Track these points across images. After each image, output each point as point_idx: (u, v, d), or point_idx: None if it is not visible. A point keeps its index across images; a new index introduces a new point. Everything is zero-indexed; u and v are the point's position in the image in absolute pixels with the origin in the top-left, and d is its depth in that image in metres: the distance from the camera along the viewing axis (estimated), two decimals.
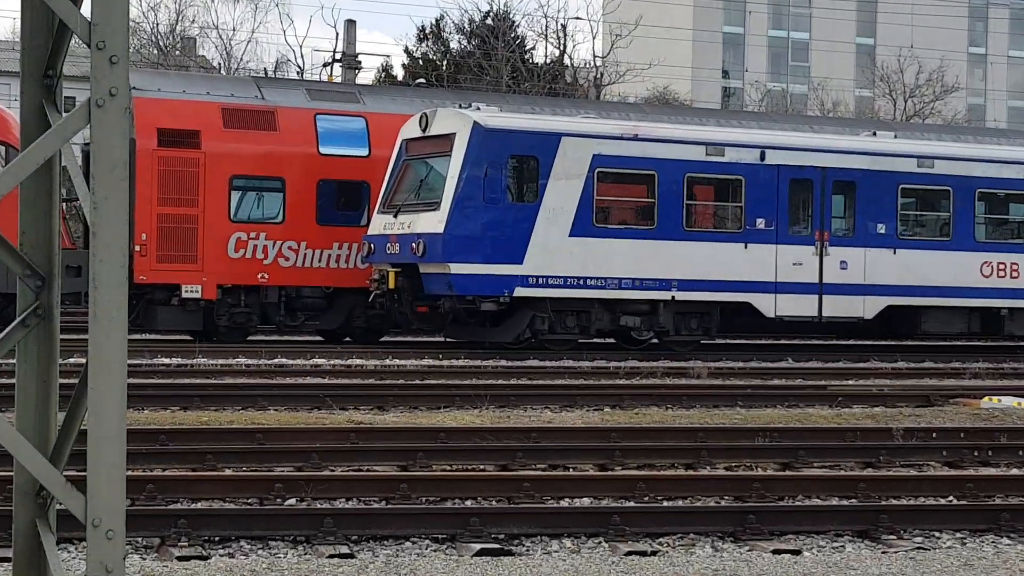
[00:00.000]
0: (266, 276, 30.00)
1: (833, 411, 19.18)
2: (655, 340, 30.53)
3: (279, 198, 30.75)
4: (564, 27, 69.53)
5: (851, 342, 34.78)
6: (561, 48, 69.75)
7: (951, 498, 11.92)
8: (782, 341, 34.66)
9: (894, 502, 11.49)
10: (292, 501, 10.87)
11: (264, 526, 9.72)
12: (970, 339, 34.44)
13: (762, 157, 30.35)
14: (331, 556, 8.93)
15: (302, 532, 9.60)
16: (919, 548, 10.11)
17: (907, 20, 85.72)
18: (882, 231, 31.20)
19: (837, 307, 30.85)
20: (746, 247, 30.14)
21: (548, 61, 69.83)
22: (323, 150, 30.94)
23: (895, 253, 31.16)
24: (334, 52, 57.23)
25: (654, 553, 9.74)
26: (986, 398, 20.95)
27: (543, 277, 28.26)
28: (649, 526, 10.31)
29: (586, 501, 11.42)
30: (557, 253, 28.51)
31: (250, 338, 30.83)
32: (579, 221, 28.68)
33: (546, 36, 69.73)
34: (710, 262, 29.72)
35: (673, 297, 29.40)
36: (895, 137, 34.12)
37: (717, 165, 30.27)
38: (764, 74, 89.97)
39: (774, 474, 13.16)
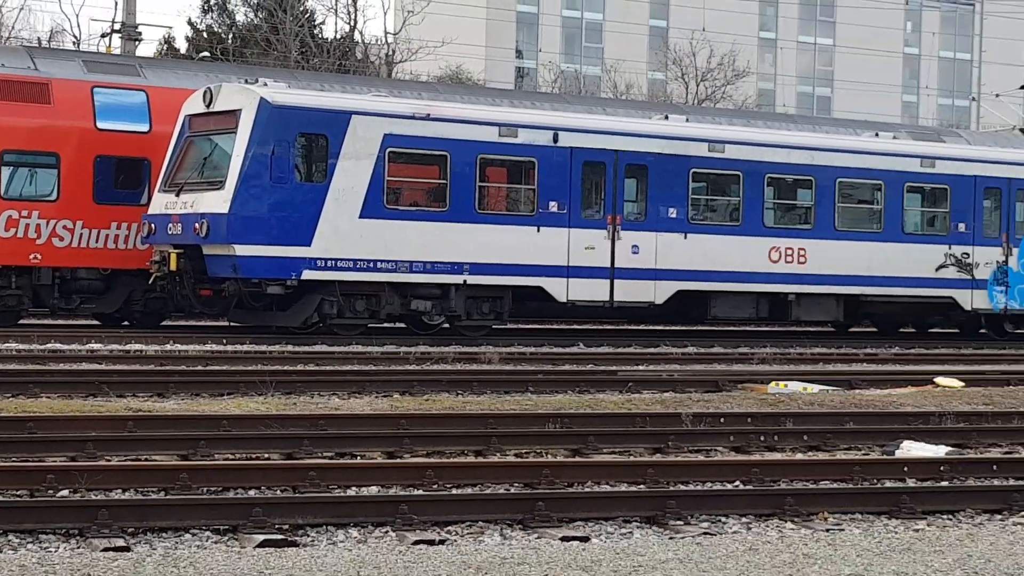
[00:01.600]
0: (39, 256, 29.08)
1: (623, 396, 19.40)
2: (446, 325, 30.50)
3: (53, 175, 29.71)
4: (355, 2, 69.12)
5: (642, 327, 35.27)
6: (352, 23, 69.19)
7: (737, 483, 12.18)
8: (574, 326, 35.02)
9: (682, 487, 11.68)
10: (65, 493, 10.57)
11: (34, 519, 9.44)
12: (759, 324, 35.21)
13: (555, 139, 30.51)
14: (106, 549, 8.70)
15: (75, 525, 9.30)
16: (706, 533, 10.30)
17: (699, 3, 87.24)
18: (673, 215, 31.62)
19: (628, 292, 31.15)
20: (539, 230, 30.29)
21: (338, 37, 69.31)
22: (100, 125, 30.06)
23: (686, 238, 31.64)
24: (113, 22, 55.82)
25: (442, 542, 9.75)
26: (773, 383, 21.46)
27: (332, 260, 27.98)
28: (437, 514, 10.30)
29: (374, 489, 11.37)
30: (346, 235, 28.27)
31: (22, 322, 29.99)
32: (369, 203, 28.48)
33: (336, 11, 69.30)
34: (502, 246, 29.78)
35: (465, 281, 29.41)
36: (687, 121, 34.66)
37: (510, 147, 30.28)
38: (558, 55, 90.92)
39: (564, 460, 13.26)
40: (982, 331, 36.30)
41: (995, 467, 13.33)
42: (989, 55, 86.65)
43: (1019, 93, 67.24)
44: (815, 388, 20.86)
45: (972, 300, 35.03)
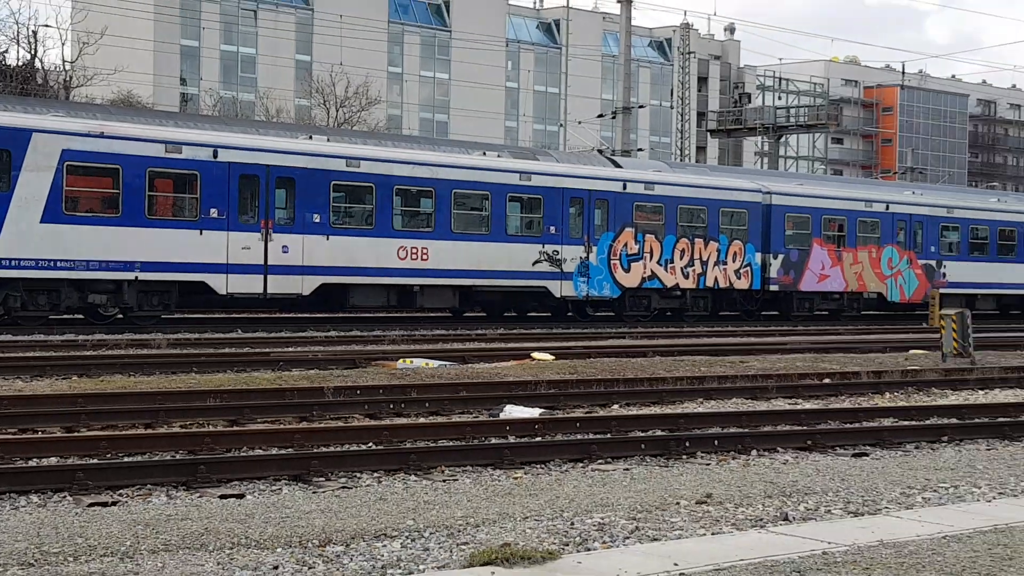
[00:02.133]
0: None
1: (275, 374, 19.27)
2: (120, 316, 29.80)
3: None
4: (35, 33, 67.41)
5: (292, 315, 35.10)
6: (32, 52, 67.38)
7: (371, 444, 12.28)
8: (233, 315, 34.57)
9: (323, 449, 11.73)
10: None
11: None
12: (390, 311, 35.45)
13: (215, 155, 30.21)
14: None
15: None
16: (343, 487, 10.40)
17: (337, 41, 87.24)
18: (317, 220, 31.64)
19: (280, 285, 31.07)
20: (201, 233, 29.89)
21: (20, 64, 67.01)
22: None
23: (328, 239, 31.70)
24: None
25: (114, 503, 9.56)
26: (401, 360, 21.68)
27: (16, 260, 27.00)
28: (110, 480, 10.09)
29: (53, 460, 11.05)
30: (29, 238, 27.26)
31: None
32: (49, 209, 27.55)
33: (18, 40, 67.05)
34: (169, 246, 29.22)
35: (136, 277, 28.76)
36: (328, 140, 34.68)
37: (176, 161, 29.77)
38: (217, 83, 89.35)
39: (223, 430, 13.08)
40: (569, 314, 37.40)
41: (578, 424, 13.84)
42: (572, 89, 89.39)
43: (596, 121, 69.94)
44: (435, 363, 21.20)
45: (561, 289, 36.11)
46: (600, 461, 11.82)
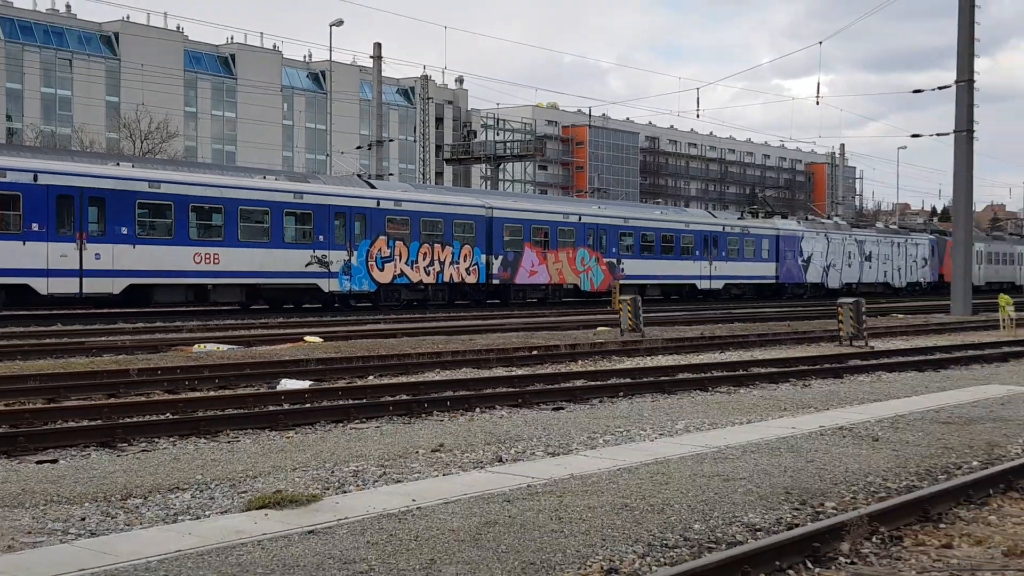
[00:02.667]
0: None
1: (88, 359, 18.37)
2: None
3: None
4: None
5: (105, 311, 33.52)
6: None
7: (168, 414, 11.78)
8: (55, 312, 32.81)
9: (127, 420, 11.21)
10: None
11: None
12: (188, 306, 34.24)
13: (35, 178, 28.70)
14: None
15: None
16: (144, 451, 9.97)
17: (140, 85, 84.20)
18: (125, 232, 30.43)
19: (94, 286, 29.86)
20: (24, 244, 28.36)
21: None
22: None
23: (134, 247, 30.54)
24: None
25: None
26: (197, 345, 21.00)
27: None
28: None
29: None
30: None
31: None
32: None
33: None
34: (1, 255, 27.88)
35: None
36: (133, 166, 33.34)
37: (1, 184, 28.21)
38: (39, 119, 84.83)
39: (40, 406, 12.31)
40: (336, 305, 37.00)
41: (340, 392, 13.65)
42: (336, 126, 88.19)
43: (356, 152, 69.34)
44: (225, 347, 20.57)
45: (329, 285, 35.71)
46: (357, 421, 11.70)
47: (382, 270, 37.42)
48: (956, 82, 37.30)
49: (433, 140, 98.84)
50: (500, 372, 17.36)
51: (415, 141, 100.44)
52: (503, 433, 10.85)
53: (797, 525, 7.42)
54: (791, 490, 8.47)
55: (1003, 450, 10.64)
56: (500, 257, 41.57)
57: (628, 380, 15.66)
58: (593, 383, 15.28)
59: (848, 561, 6.71)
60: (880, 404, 13.50)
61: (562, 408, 13.00)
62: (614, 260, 46.30)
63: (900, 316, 37.50)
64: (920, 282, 65.83)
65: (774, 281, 54.61)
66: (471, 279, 40.55)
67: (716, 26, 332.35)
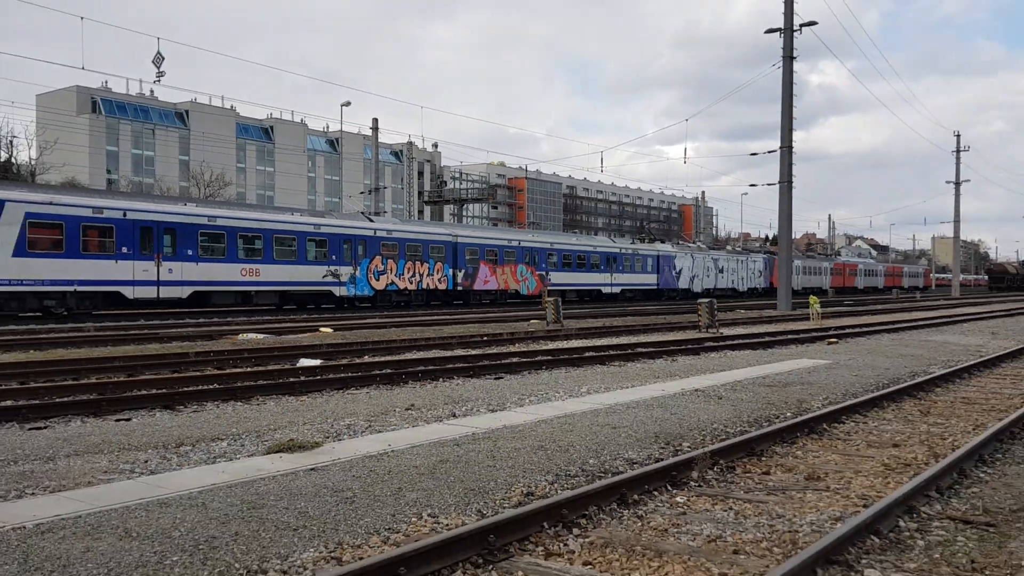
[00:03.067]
0: None
1: (161, 345, 17.87)
2: (65, 313, 27.10)
3: None
4: (11, 141, 60.40)
5: (179, 310, 32.76)
6: (9, 153, 60.30)
7: (215, 385, 11.43)
8: (138, 311, 32.02)
9: (184, 389, 10.86)
10: None
11: None
12: (239, 306, 33.56)
13: (124, 215, 28.08)
14: None
15: None
16: (195, 411, 9.62)
17: (203, 147, 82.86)
18: (190, 253, 29.82)
19: (167, 292, 29.17)
20: (116, 262, 27.74)
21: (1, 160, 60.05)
22: None
23: (197, 264, 29.92)
24: None
25: (45, 427, 8.60)
26: (242, 334, 20.60)
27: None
28: (44, 413, 9.08)
29: (8, 403, 9.78)
30: (5, 266, 25.00)
31: None
32: (18, 247, 25.25)
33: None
34: (99, 270, 27.20)
35: (75, 290, 26.50)
36: (196, 206, 32.64)
37: (99, 218, 27.45)
38: (130, 173, 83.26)
39: (121, 379, 11.90)
40: (345, 306, 36.50)
41: (342, 368, 13.36)
42: (346, 177, 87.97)
43: (360, 196, 68.52)
44: (262, 336, 20.20)
45: (340, 292, 35.24)
46: (353, 388, 11.46)
47: (378, 280, 37.02)
48: (780, 148, 37.71)
49: (416, 187, 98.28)
50: (459, 352, 17.20)
51: (403, 188, 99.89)
52: (458, 396, 10.71)
53: (661, 460, 7.40)
54: (659, 435, 8.44)
55: (808, 405, 10.71)
56: (463, 271, 41.30)
57: (549, 357, 15.47)
58: (525, 360, 15.13)
59: (696, 484, 6.69)
60: (725, 373, 13.54)
61: (501, 378, 12.85)
62: (543, 272, 46.19)
63: (742, 311, 37.79)
64: (757, 288, 66.50)
65: (656, 287, 54.86)
66: (442, 286, 40.27)
67: (616, 108, 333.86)
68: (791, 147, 37.60)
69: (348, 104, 55.40)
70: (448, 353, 16.61)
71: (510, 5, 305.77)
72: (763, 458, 7.66)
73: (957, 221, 77.84)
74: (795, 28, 37.72)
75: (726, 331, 23.77)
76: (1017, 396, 11.68)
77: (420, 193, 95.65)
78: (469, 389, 11.40)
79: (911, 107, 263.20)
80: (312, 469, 6.56)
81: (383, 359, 15.31)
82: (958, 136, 75.64)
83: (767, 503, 6.14)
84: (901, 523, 5.55)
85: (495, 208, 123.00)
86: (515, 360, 15.12)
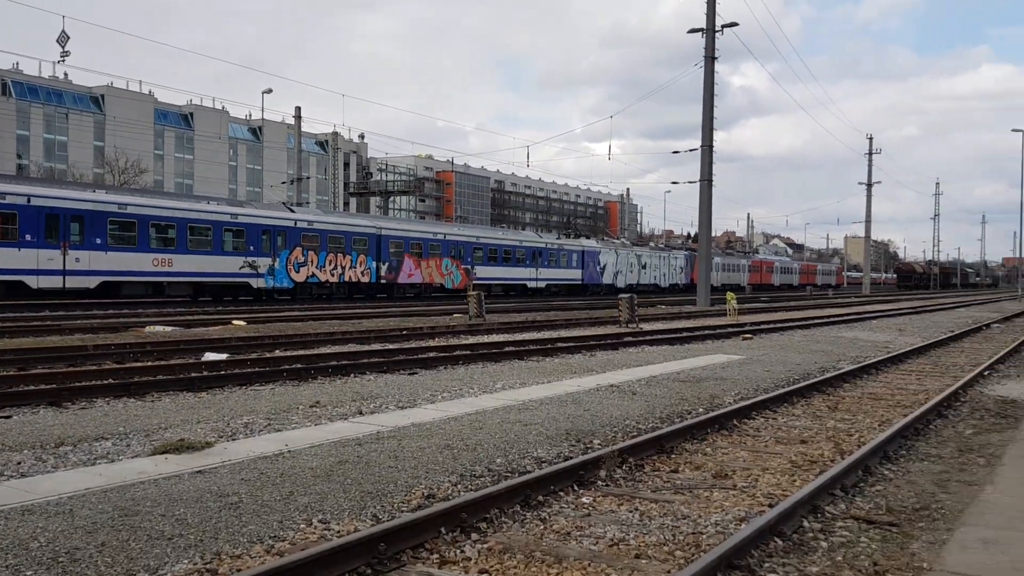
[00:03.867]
0: None
1: (62, 337, 16.93)
2: None
3: None
4: None
5: (86, 301, 31.30)
6: None
7: (110, 379, 10.73)
8: (43, 301, 30.47)
9: (75, 384, 10.13)
10: None
11: None
12: (147, 298, 32.23)
13: (29, 200, 26.74)
14: None
15: None
16: (83, 408, 9.03)
17: (119, 133, 79.61)
18: (99, 242, 28.52)
19: (75, 282, 27.87)
20: (20, 250, 26.39)
21: None
22: None
23: (107, 253, 28.65)
24: None
25: None
26: (149, 327, 19.67)
27: None
28: None
29: None
30: None
31: None
32: None
33: None
34: (1, 258, 25.86)
35: None
36: (106, 192, 31.27)
37: (2, 205, 26.14)
38: (42, 158, 79.41)
39: (12, 373, 11.18)
40: (264, 299, 35.48)
41: (248, 363, 12.80)
42: (268, 167, 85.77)
43: (283, 187, 66.91)
44: (170, 328, 19.31)
45: (257, 283, 34.27)
46: (257, 384, 10.96)
47: (298, 272, 36.11)
48: (700, 146, 38.23)
49: (342, 179, 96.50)
50: (376, 346, 16.75)
51: (328, 180, 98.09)
52: (368, 392, 10.33)
53: (571, 458, 7.19)
54: (571, 431, 8.25)
55: (720, 400, 10.69)
56: (387, 264, 40.66)
57: (468, 352, 15.14)
58: (442, 355, 14.70)
59: (604, 484, 6.50)
60: (641, 368, 13.49)
61: (416, 373, 12.48)
62: (469, 266, 45.87)
63: (663, 307, 38.20)
64: (678, 284, 67.52)
65: (580, 282, 55.14)
66: (365, 279, 39.55)
67: (545, 104, 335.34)
68: (711, 146, 38.15)
69: (270, 91, 54.00)
70: (364, 347, 16.16)
71: None
72: (673, 455, 7.54)
73: (868, 221, 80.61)
74: (717, 29, 38.24)
75: (646, 326, 23.87)
76: (922, 392, 11.92)
77: (346, 184, 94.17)
78: (381, 385, 11.02)
79: (828, 110, 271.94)
80: (199, 472, 6.12)
81: (294, 353, 14.71)
82: (870, 139, 78.30)
83: (673, 503, 5.99)
84: (805, 524, 5.45)
85: (423, 201, 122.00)
86: (432, 355, 14.68)
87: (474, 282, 44.79)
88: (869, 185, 78.85)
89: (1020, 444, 7.85)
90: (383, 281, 40.63)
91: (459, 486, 6.22)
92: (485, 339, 18.86)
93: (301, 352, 14.84)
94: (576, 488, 6.32)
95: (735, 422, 9.06)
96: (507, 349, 16.07)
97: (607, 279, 57.85)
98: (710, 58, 38.17)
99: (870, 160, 78.27)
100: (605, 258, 58.30)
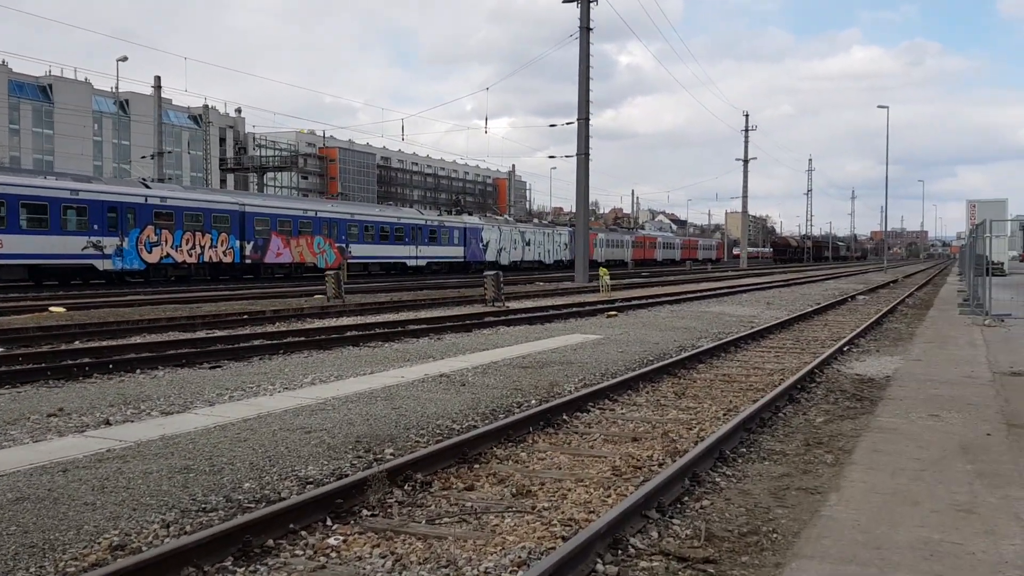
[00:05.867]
0: None
1: None
2: None
3: None
4: None
5: None
6: None
7: None
8: None
9: None
10: None
11: None
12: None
13: None
14: None
15: None
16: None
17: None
18: None
19: None
20: None
21: None
22: None
23: None
24: None
25: None
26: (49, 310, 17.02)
27: None
28: None
29: None
30: None
31: None
32: None
33: None
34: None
35: None
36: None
37: None
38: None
39: None
40: (114, 281, 32.40)
41: (19, 360, 10.73)
42: (135, 141, 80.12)
43: (150, 162, 62.31)
44: None
45: (104, 265, 31.29)
46: (5, 387, 9.02)
47: (150, 253, 33.23)
48: (576, 119, 37.33)
49: (217, 155, 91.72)
50: (202, 334, 14.78)
51: (202, 156, 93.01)
52: (139, 393, 8.56)
53: (345, 476, 5.75)
54: (364, 438, 6.80)
55: (561, 388, 9.48)
56: (251, 243, 38.08)
57: (302, 339, 13.47)
58: (269, 342, 13.01)
59: (371, 513, 5.08)
60: (485, 353, 12.17)
61: (219, 366, 10.70)
62: (343, 244, 43.70)
63: (541, 283, 37.27)
64: (563, 260, 67.07)
65: (463, 260, 53.72)
66: (228, 259, 36.90)
67: (434, 81, 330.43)
68: (587, 119, 37.27)
69: (125, 59, 49.96)
70: (184, 336, 14.22)
71: None
72: (476, 466, 6.20)
73: (745, 197, 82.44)
74: None
75: (514, 304, 22.70)
76: (778, 372, 11.08)
77: (223, 161, 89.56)
78: (163, 384, 9.25)
79: (708, 90, 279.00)
80: None
81: (92, 345, 12.68)
82: (747, 116, 79.89)
83: (446, 540, 4.63)
84: (599, 567, 4.18)
85: (305, 179, 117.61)
86: (256, 343, 12.96)
87: (349, 261, 42.70)
88: (746, 161, 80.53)
89: (872, 434, 6.90)
90: (248, 261, 38.09)
91: (172, 528, 4.68)
92: (332, 323, 17.16)
93: (102, 343, 12.80)
94: (329, 523, 4.88)
95: (564, 416, 7.82)
96: (348, 334, 14.46)
97: (490, 256, 56.67)
98: (585, 28, 37.17)
99: (746, 137, 79.92)
100: (488, 235, 57.09)
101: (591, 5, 37.16)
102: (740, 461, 6.37)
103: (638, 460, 6.34)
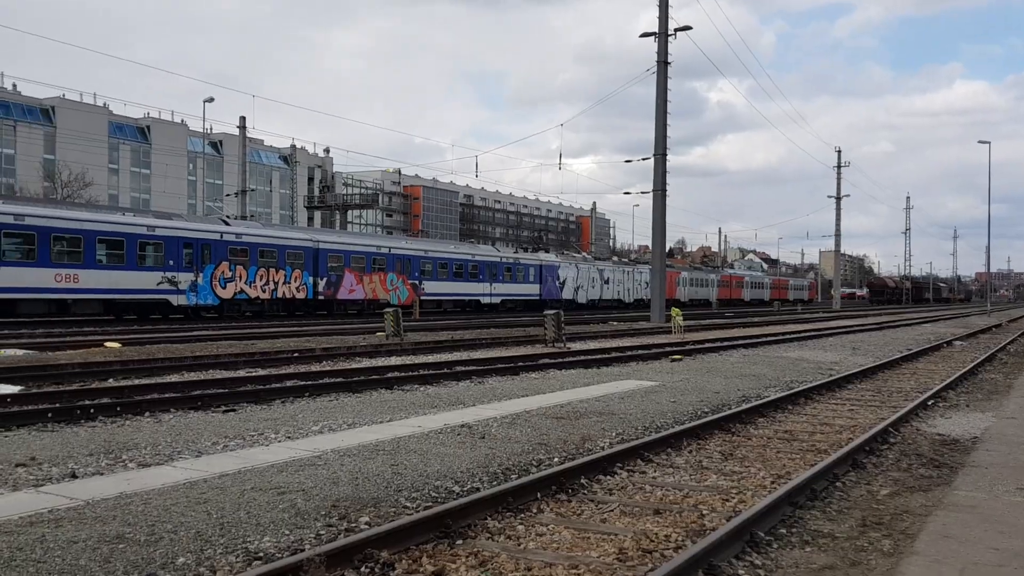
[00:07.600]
0: None
1: None
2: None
3: None
4: None
5: None
6: None
7: None
8: None
9: None
10: None
11: None
12: (35, 318, 29.72)
13: None
14: None
15: None
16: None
17: (71, 146, 76.73)
18: None
19: None
20: None
21: None
22: None
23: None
24: None
25: None
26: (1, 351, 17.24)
27: None
28: None
29: None
30: None
31: None
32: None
33: None
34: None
35: None
36: (3, 203, 28.71)
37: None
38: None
39: None
40: (190, 316, 33.00)
41: (45, 397, 10.38)
42: (227, 180, 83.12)
43: (235, 198, 63.99)
44: (22, 352, 16.88)
45: (178, 300, 31.83)
46: (15, 427, 8.64)
47: (224, 288, 33.69)
48: (654, 155, 36.34)
49: (305, 193, 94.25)
50: (243, 373, 14.38)
51: (289, 194, 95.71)
52: (127, 441, 8.02)
53: (300, 551, 4.97)
54: (343, 501, 6.01)
55: (593, 444, 8.51)
56: (324, 279, 38.33)
57: (340, 380, 12.84)
58: (303, 383, 12.49)
59: None
60: (522, 400, 11.29)
61: (233, 410, 10.15)
62: (416, 281, 43.63)
63: (615, 323, 36.13)
64: (644, 299, 65.47)
65: (538, 297, 52.97)
66: (300, 295, 37.18)
67: (518, 122, 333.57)
68: (664, 155, 36.25)
69: (211, 100, 51.72)
70: (219, 375, 13.84)
71: (412, 14, 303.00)
72: (459, 542, 5.32)
73: (838, 235, 79.23)
74: (670, 33, 36.45)
75: (576, 345, 21.74)
76: (847, 429, 9.81)
77: (309, 199, 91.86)
78: (159, 430, 8.71)
79: (801, 127, 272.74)
80: None
81: (119, 384, 12.37)
82: (839, 152, 77.14)
83: None
84: None
85: (389, 216, 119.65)
86: (289, 384, 12.46)
87: (423, 297, 42.59)
88: (838, 198, 77.57)
89: (945, 513, 5.71)
90: (321, 297, 38.28)
91: None
92: (378, 362, 16.59)
93: (131, 382, 12.49)
94: None
95: (583, 480, 6.86)
96: (388, 375, 13.81)
97: (567, 294, 55.75)
98: (662, 63, 36.33)
99: (839, 173, 77.07)
100: (565, 272, 56.25)
101: (669, 39, 36.33)
102: (775, 546, 5.29)
103: (651, 541, 5.33)
